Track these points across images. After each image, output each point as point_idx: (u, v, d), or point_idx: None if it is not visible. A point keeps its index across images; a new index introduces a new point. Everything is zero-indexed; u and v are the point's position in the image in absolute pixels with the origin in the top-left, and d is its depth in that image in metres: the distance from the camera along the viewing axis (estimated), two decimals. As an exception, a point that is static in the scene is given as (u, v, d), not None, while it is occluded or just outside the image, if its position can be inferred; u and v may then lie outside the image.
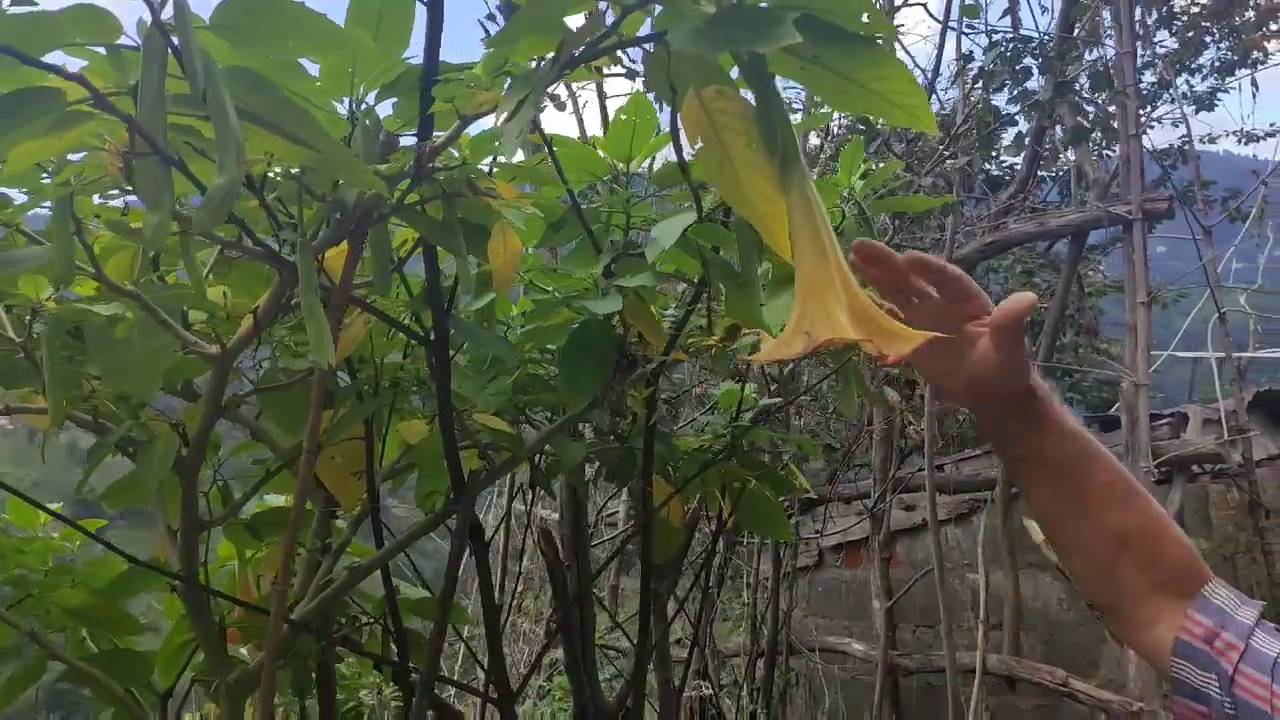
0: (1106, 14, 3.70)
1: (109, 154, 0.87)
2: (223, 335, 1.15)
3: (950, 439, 3.91)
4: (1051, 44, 2.97)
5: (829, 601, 4.03)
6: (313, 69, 0.88)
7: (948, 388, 0.83)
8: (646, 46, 0.77)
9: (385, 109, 1.08)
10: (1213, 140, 6.65)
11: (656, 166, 1.41)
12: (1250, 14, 6.45)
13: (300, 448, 1.18)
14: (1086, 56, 3.36)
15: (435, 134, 0.96)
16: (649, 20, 0.80)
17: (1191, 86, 5.97)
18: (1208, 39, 5.64)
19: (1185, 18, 5.56)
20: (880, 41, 0.73)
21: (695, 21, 0.69)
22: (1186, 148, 4.26)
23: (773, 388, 2.35)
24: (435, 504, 1.55)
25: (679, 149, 0.79)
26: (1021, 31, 3.52)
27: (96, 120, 0.84)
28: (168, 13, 0.69)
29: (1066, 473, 0.80)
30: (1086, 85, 3.03)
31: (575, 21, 0.78)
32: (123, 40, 0.74)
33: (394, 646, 1.61)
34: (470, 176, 0.99)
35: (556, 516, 2.10)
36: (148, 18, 0.71)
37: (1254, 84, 4.79)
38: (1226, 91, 6.10)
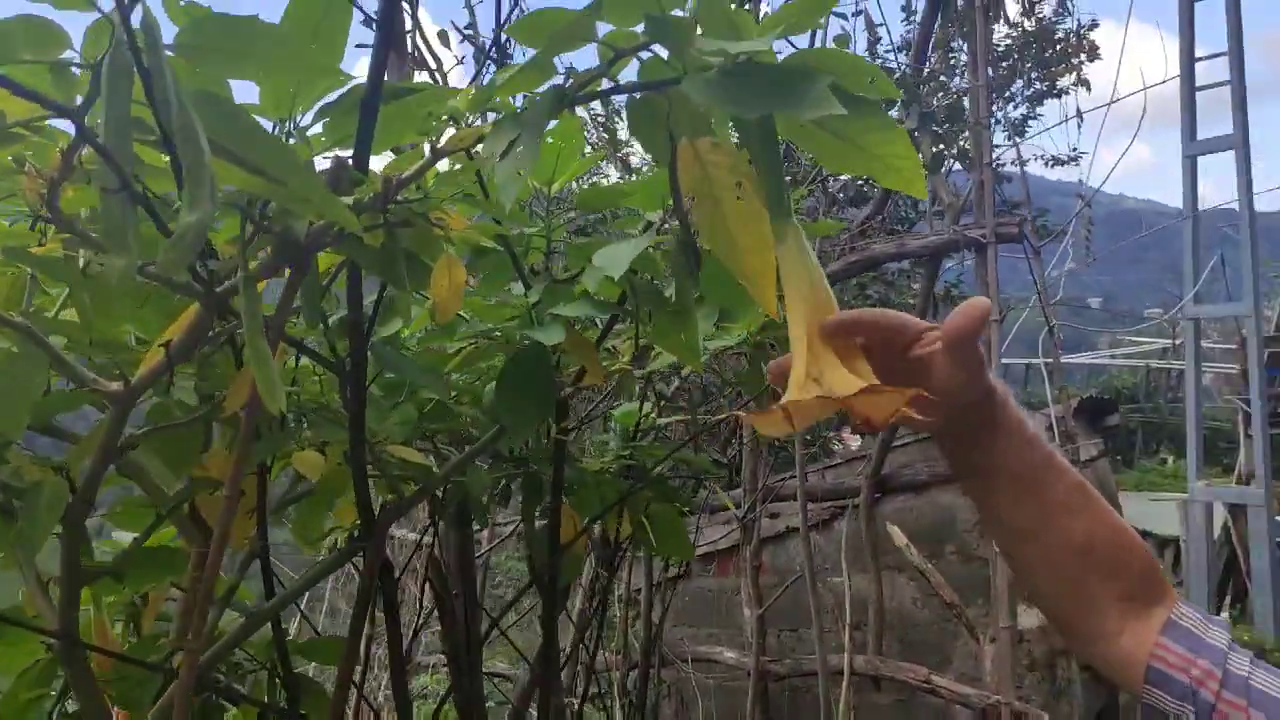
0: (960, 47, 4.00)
1: (30, 178, 0.77)
2: (128, 371, 1.05)
3: (816, 450, 4.09)
4: (911, 76, 3.18)
5: (697, 611, 4.12)
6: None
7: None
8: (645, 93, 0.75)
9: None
10: (1024, 164, 7.33)
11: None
12: (1057, 48, 7.15)
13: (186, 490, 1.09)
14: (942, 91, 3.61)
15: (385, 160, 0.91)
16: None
17: (1006, 114, 6.54)
18: (1021, 70, 6.21)
19: (1000, 48, 6.09)
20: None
21: (710, 75, 0.68)
22: (1013, 170, 4.64)
23: (660, 405, 2.37)
24: (319, 540, 1.46)
25: (678, 196, 0.77)
26: (882, 64, 3.73)
27: (23, 143, 0.74)
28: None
29: (1028, 480, 0.78)
30: (943, 115, 3.25)
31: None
32: (67, 54, 0.66)
33: (282, 694, 1.51)
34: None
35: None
36: (104, 34, 0.63)
37: (1079, 114, 5.25)
38: (1036, 119, 6.75)
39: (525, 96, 0.84)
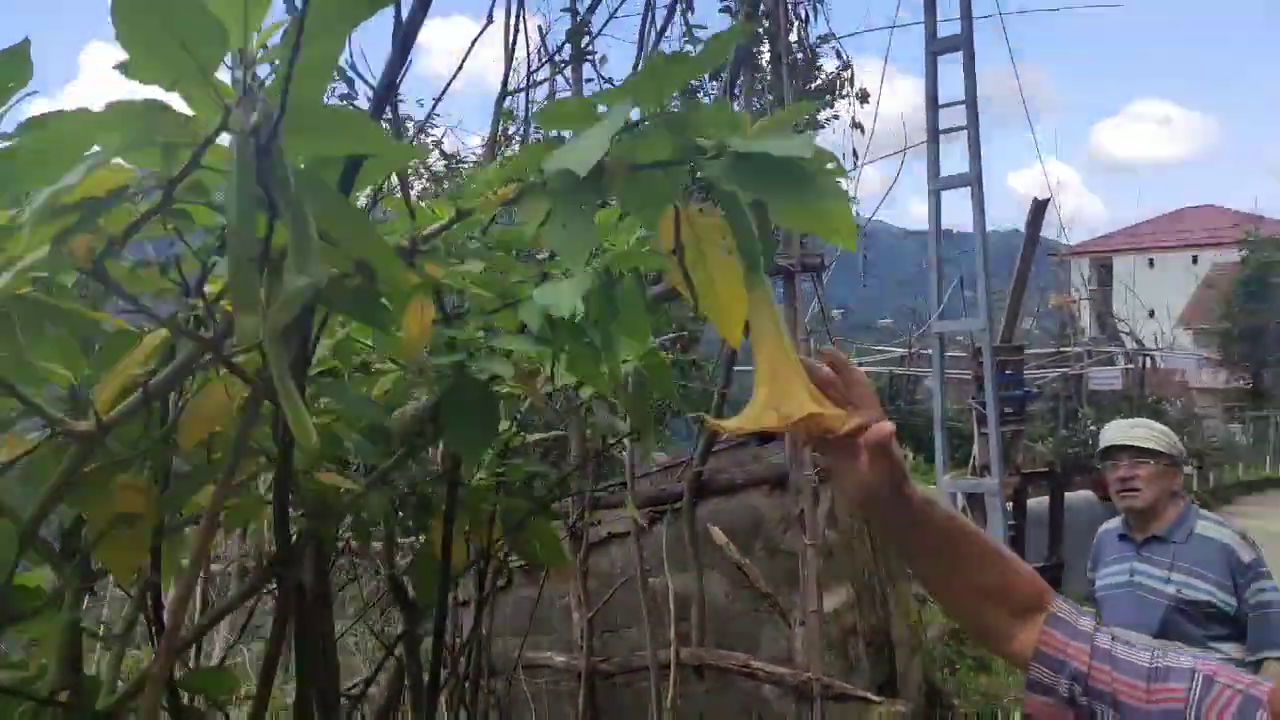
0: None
1: (83, 240, 0.81)
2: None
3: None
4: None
5: (521, 619, 4.21)
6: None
7: (843, 488, 1.01)
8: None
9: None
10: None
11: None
12: (818, 81, 7.92)
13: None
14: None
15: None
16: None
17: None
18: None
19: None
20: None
21: (725, 160, 0.85)
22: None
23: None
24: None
25: (680, 253, 0.93)
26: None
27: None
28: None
29: (942, 549, 1.01)
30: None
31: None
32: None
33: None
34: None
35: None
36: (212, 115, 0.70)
37: (855, 154, 5.88)
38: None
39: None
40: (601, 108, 0.87)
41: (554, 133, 0.91)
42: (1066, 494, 8.28)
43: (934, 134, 6.84)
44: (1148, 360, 16.42)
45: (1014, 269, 7.73)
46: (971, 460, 7.61)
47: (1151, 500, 2.67)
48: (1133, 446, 2.72)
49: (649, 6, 3.23)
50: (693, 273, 0.97)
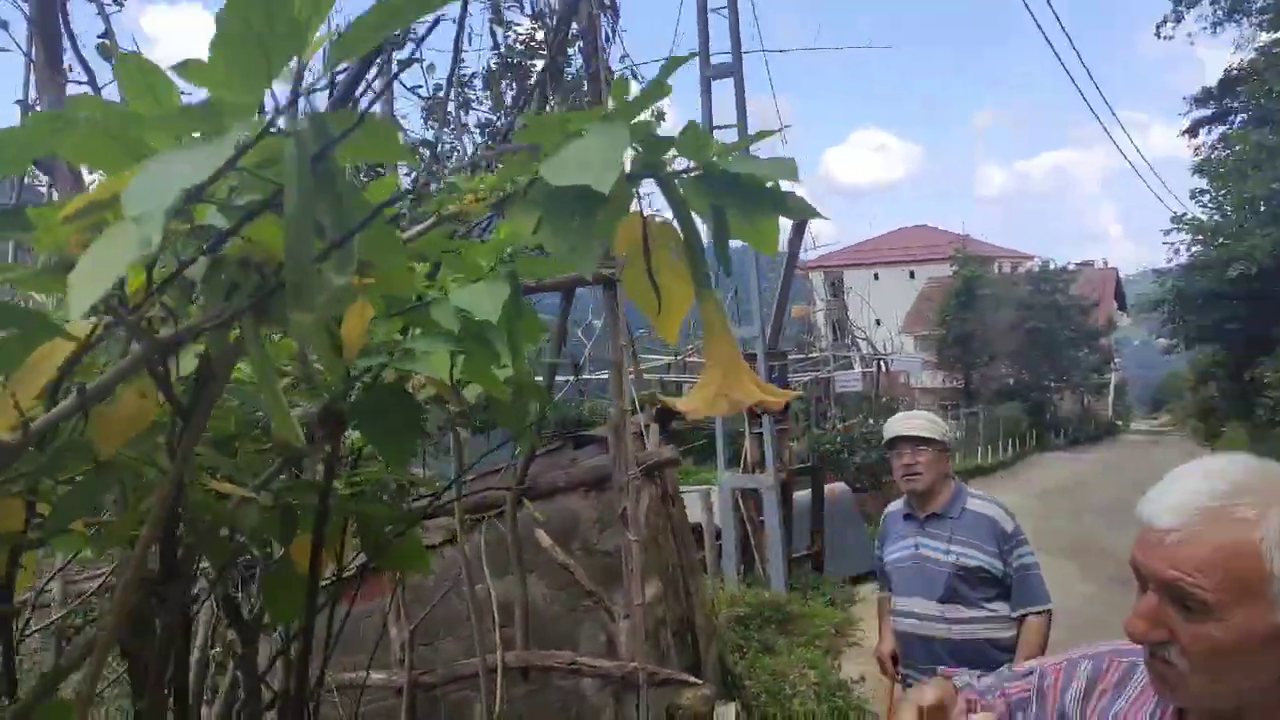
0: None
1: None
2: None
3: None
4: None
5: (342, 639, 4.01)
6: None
7: None
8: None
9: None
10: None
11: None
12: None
13: None
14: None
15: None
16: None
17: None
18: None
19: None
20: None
21: (694, 177, 0.97)
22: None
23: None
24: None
25: (647, 257, 1.04)
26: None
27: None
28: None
29: None
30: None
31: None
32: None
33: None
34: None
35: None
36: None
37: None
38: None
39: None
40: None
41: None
42: (825, 486, 9.09)
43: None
44: (881, 364, 18.30)
45: (778, 282, 8.39)
46: (743, 458, 8.16)
47: (930, 482, 3.07)
48: (913, 436, 3.12)
49: (464, 14, 3.27)
50: (641, 277, 1.08)
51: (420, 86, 3.17)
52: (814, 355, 16.08)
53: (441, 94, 4.24)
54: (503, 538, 3.75)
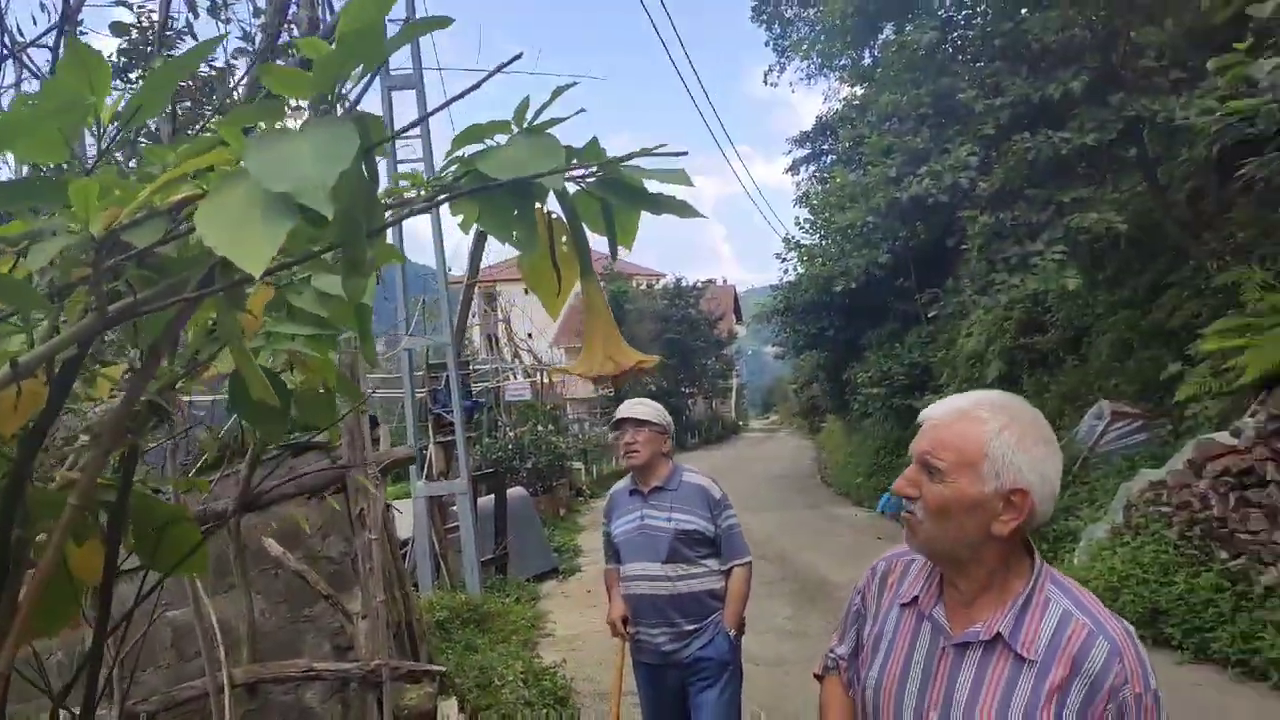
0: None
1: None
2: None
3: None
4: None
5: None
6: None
7: None
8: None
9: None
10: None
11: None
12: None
13: None
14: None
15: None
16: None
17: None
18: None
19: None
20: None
21: (597, 180, 1.21)
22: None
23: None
24: None
25: (553, 248, 1.24)
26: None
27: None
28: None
29: None
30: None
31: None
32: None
33: None
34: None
35: None
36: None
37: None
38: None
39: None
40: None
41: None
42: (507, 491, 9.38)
43: (394, 161, 7.30)
44: (545, 375, 19.05)
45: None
46: (427, 465, 8.20)
47: (647, 459, 3.50)
48: (633, 418, 3.52)
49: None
50: (541, 263, 1.29)
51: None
52: (478, 368, 16.33)
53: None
54: (219, 553, 3.57)
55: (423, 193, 1.14)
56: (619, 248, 1.36)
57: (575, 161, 1.21)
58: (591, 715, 5.21)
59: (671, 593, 3.39)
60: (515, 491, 9.80)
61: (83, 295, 1.09)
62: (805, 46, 15.48)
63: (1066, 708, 1.38)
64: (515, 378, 18.64)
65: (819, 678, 1.81)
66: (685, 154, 1.20)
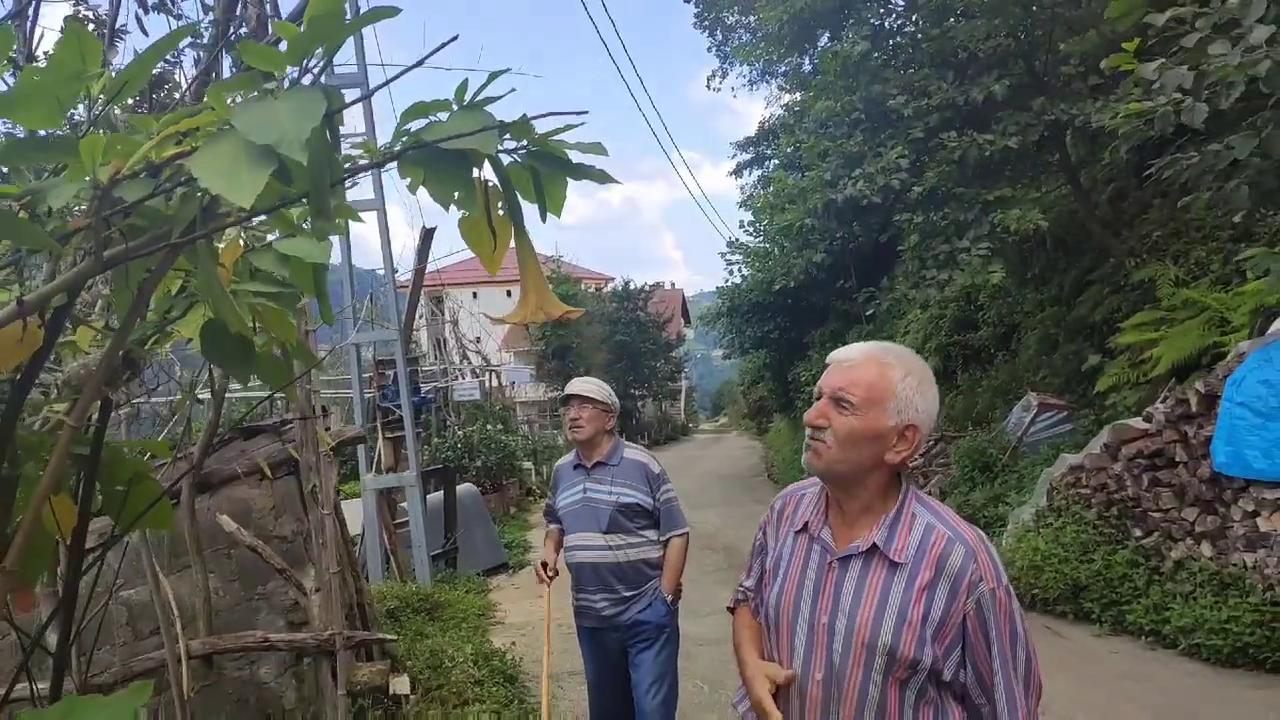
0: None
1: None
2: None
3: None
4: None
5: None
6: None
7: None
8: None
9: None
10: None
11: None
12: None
13: None
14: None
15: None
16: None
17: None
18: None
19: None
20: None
21: (526, 151, 1.40)
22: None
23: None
24: None
25: (488, 212, 1.43)
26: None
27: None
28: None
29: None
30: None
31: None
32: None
33: None
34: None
35: None
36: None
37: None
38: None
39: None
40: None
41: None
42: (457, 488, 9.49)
43: (339, 147, 7.38)
44: (495, 375, 19.13)
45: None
46: (376, 460, 8.28)
47: (590, 434, 3.69)
48: (579, 395, 3.72)
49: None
50: (478, 224, 1.48)
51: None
52: (426, 370, 16.39)
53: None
54: (173, 535, 3.67)
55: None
56: (548, 214, 1.55)
57: (508, 136, 1.41)
58: (540, 693, 5.39)
59: (613, 561, 3.59)
60: (465, 488, 9.91)
61: (74, 247, 1.26)
62: (746, 51, 15.83)
63: (934, 602, 1.62)
64: (464, 377, 18.71)
65: (731, 610, 2.03)
66: (586, 113, 1.40)
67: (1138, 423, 6.89)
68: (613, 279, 40.35)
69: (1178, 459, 6.45)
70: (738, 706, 1.93)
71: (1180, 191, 8.53)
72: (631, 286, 33.05)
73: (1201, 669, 5.51)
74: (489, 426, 13.67)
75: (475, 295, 41.42)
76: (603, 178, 1.48)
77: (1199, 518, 6.22)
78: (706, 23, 20.31)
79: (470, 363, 19.68)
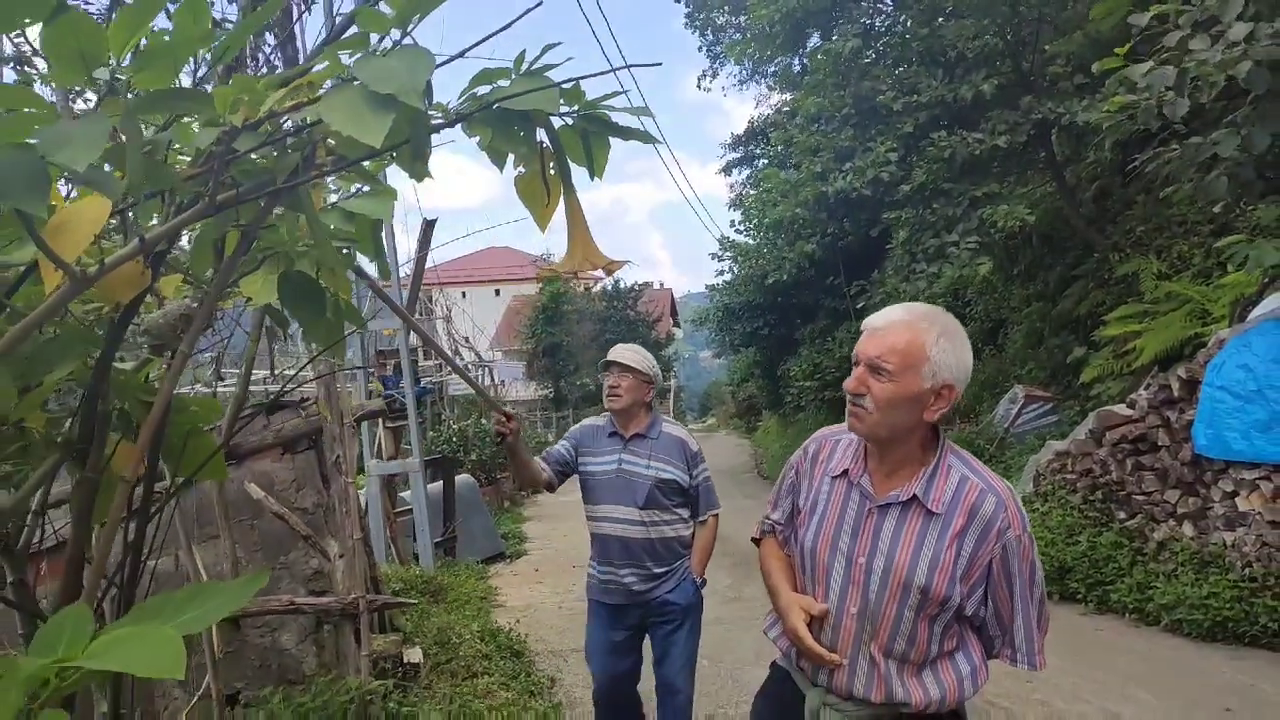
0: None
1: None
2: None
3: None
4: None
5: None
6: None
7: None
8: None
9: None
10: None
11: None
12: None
13: None
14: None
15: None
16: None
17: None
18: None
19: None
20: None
21: (578, 115, 1.57)
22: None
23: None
24: None
25: (544, 171, 1.59)
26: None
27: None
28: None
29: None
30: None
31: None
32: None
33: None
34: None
35: None
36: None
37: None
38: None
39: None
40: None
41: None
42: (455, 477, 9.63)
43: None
44: (489, 372, 19.28)
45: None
46: (378, 447, 8.42)
47: (627, 404, 3.59)
48: (619, 363, 3.62)
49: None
50: (535, 181, 1.65)
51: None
52: (423, 363, 16.51)
53: None
54: (199, 504, 3.82)
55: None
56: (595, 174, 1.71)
57: (561, 100, 1.57)
58: (545, 666, 5.54)
59: (645, 537, 3.50)
60: (463, 479, 10.04)
61: (182, 193, 1.41)
62: (737, 51, 16.04)
63: (965, 545, 1.80)
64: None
65: (756, 541, 2.19)
66: (659, 64, 1.56)
67: (1122, 409, 7.11)
68: (602, 278, 40.53)
69: (1160, 443, 6.66)
70: (768, 632, 2.10)
71: (1162, 186, 8.78)
72: (621, 286, 33.23)
73: (1183, 643, 5.72)
74: (483, 421, 13.81)
75: (464, 295, 41.56)
76: (646, 138, 1.65)
77: (1181, 499, 6.43)
78: (697, 23, 20.53)
79: (463, 359, 19.82)
